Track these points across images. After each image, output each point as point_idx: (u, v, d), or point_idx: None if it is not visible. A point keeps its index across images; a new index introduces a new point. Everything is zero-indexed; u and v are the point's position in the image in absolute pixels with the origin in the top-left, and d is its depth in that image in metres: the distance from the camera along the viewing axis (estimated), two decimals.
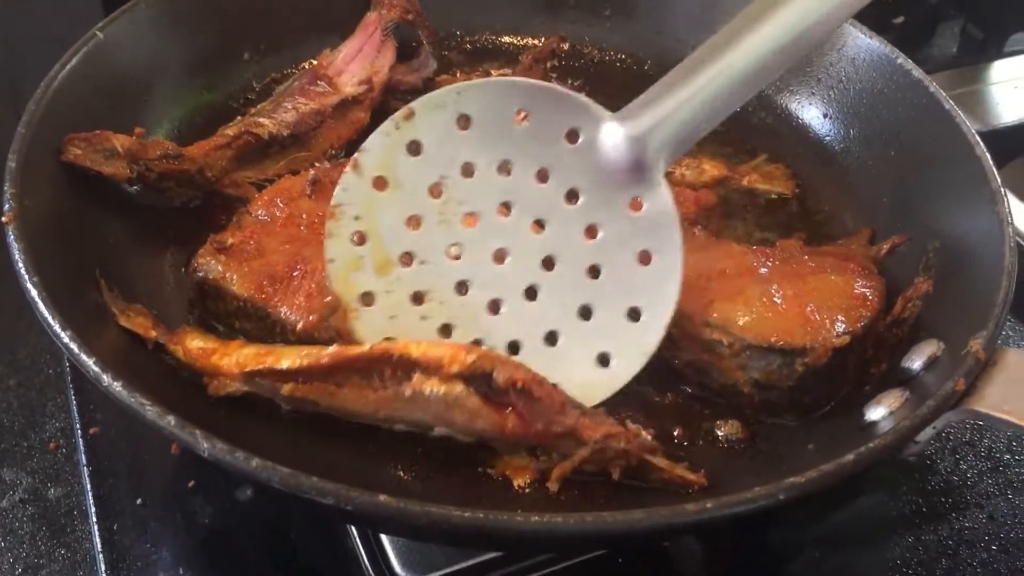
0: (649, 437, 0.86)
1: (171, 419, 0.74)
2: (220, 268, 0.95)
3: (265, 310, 0.94)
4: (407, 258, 0.91)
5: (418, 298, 0.91)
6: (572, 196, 0.90)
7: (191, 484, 0.96)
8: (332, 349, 0.87)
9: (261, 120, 1.10)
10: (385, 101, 1.24)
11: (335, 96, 1.16)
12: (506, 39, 1.30)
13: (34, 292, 0.81)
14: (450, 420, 0.85)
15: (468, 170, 0.90)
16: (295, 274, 0.95)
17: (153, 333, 0.90)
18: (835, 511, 0.98)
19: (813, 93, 1.21)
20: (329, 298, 0.92)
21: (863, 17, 1.30)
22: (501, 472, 0.87)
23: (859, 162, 1.15)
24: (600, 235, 0.90)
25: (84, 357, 0.77)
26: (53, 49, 1.04)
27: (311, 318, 0.93)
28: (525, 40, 1.34)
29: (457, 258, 0.91)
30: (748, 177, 1.15)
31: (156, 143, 1.03)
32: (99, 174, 0.99)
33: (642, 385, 0.95)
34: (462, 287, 0.91)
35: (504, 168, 0.90)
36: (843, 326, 0.90)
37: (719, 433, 0.92)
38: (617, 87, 1.30)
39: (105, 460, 0.98)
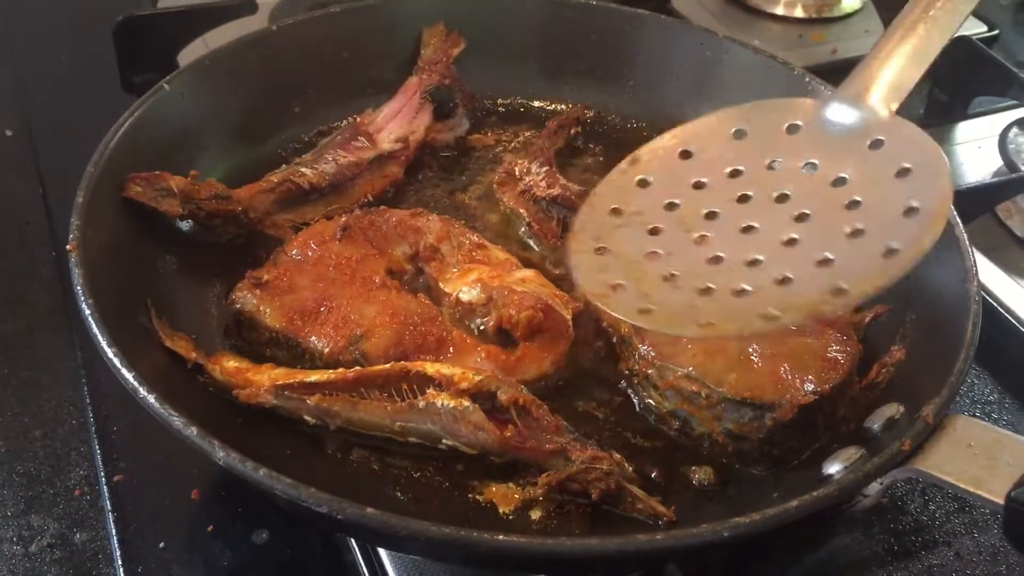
0: (630, 468, 0.96)
1: (194, 429, 0.84)
2: (255, 301, 1.06)
3: (296, 340, 1.04)
4: (652, 255, 0.91)
5: (669, 278, 0.89)
6: (810, 166, 0.91)
7: (210, 528, 1.00)
8: (357, 368, 0.98)
9: (303, 170, 1.20)
10: (420, 157, 1.35)
11: (373, 151, 1.27)
12: (536, 103, 1.40)
13: (88, 312, 0.92)
14: (456, 432, 0.95)
15: (699, 185, 0.93)
16: (322, 309, 1.06)
17: (193, 354, 1.01)
18: (814, 550, 1.04)
19: None
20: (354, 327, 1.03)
21: (838, 82, 1.38)
22: (488, 499, 0.96)
23: None
24: (849, 180, 0.89)
25: (125, 372, 0.88)
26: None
27: (338, 343, 1.03)
28: (554, 105, 1.44)
29: (702, 244, 0.90)
30: None
31: (207, 184, 1.14)
32: (155, 210, 1.10)
33: (627, 430, 1.04)
34: (714, 260, 0.89)
35: (733, 174, 0.93)
36: (811, 386, 0.98)
37: (693, 478, 0.99)
38: None
39: (129, 506, 1.02)
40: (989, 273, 1.28)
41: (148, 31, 1.48)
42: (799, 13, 1.81)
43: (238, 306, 1.07)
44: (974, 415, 1.16)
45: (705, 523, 0.82)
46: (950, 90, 1.66)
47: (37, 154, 1.46)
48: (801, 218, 0.89)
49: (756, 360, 1.00)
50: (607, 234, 0.93)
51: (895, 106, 0.92)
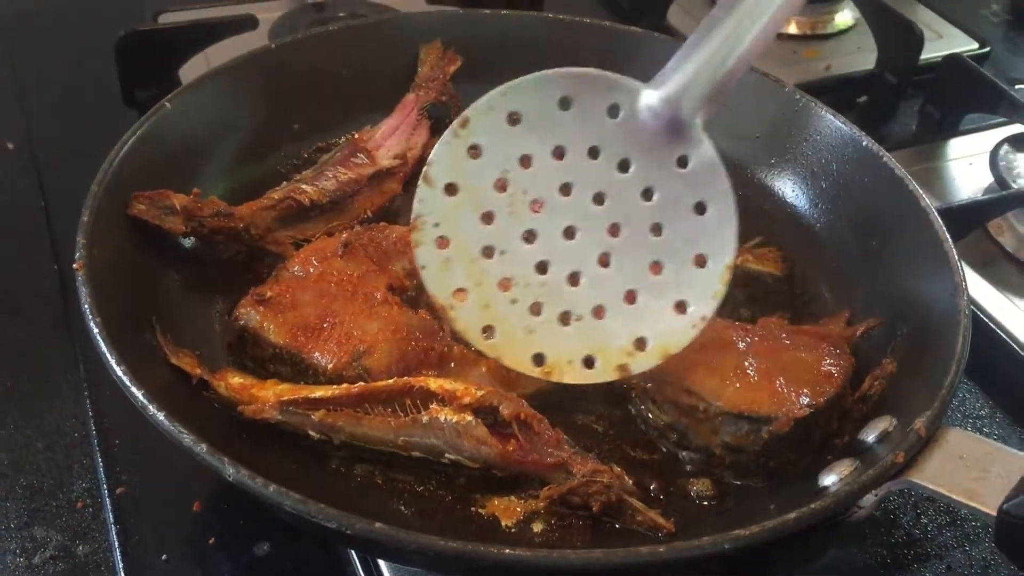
0: (630, 481, 0.98)
1: (204, 447, 0.85)
2: (258, 318, 1.07)
3: (299, 356, 1.05)
4: (488, 251, 1.00)
5: (505, 285, 1.00)
6: (623, 166, 0.98)
7: (212, 540, 1.01)
8: (361, 383, 1.00)
9: (304, 187, 1.22)
10: (418, 173, 1.35)
11: (372, 167, 1.28)
12: None
13: (96, 331, 0.93)
14: (459, 446, 0.96)
15: (526, 161, 0.99)
16: (325, 325, 1.07)
17: (198, 371, 1.02)
18: (809, 562, 1.06)
19: (807, 183, 1.31)
20: (357, 343, 1.04)
21: (832, 98, 1.40)
22: (491, 512, 0.98)
23: (844, 248, 1.24)
24: (656, 196, 0.99)
25: (134, 389, 0.89)
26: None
27: (342, 359, 1.04)
28: None
29: (532, 242, 1.00)
30: (742, 257, 1.23)
31: (210, 202, 1.15)
32: (158, 228, 1.11)
33: (626, 443, 1.06)
34: (542, 267, 1.01)
35: (558, 153, 0.99)
36: (807, 399, 1.00)
37: (691, 490, 1.02)
38: None
39: (131, 518, 1.03)
40: (980, 289, 1.30)
41: (150, 46, 1.50)
42: (793, 29, 1.84)
43: (242, 323, 1.08)
44: (966, 429, 1.18)
45: (705, 535, 0.84)
46: (942, 107, 1.69)
47: (39, 166, 1.47)
48: (614, 231, 0.99)
49: (752, 374, 1.02)
50: (445, 217, 1.00)
51: (704, 114, 0.97)
